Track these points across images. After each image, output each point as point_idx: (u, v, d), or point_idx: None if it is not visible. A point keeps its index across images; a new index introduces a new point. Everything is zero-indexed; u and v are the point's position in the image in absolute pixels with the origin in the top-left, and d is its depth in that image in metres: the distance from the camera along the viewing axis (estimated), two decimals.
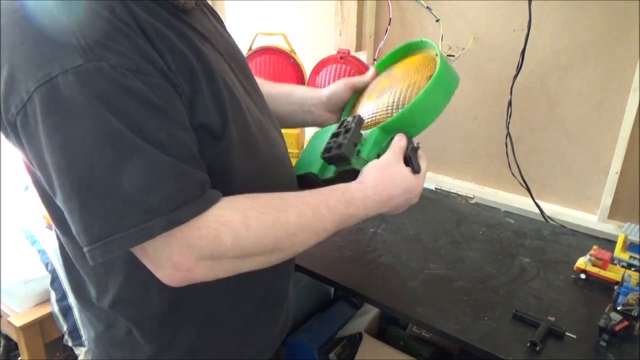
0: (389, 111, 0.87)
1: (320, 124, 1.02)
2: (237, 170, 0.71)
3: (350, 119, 0.85)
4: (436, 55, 0.90)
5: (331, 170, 0.86)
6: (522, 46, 1.28)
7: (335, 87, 0.99)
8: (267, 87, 0.90)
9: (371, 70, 1.01)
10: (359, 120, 0.84)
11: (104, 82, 0.56)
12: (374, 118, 0.90)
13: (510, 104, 1.35)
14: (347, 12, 1.58)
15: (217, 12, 0.85)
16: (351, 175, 0.82)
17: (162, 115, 0.60)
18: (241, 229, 0.64)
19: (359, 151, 0.83)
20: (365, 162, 0.82)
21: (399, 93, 0.87)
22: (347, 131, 0.83)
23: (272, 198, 0.71)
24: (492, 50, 1.39)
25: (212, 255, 0.63)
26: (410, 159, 0.83)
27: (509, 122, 1.36)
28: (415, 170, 0.82)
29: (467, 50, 1.41)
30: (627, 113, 1.21)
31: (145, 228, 0.58)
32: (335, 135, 0.85)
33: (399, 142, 0.83)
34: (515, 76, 1.32)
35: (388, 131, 0.85)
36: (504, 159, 1.40)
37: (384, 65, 1.03)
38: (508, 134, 1.37)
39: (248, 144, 0.72)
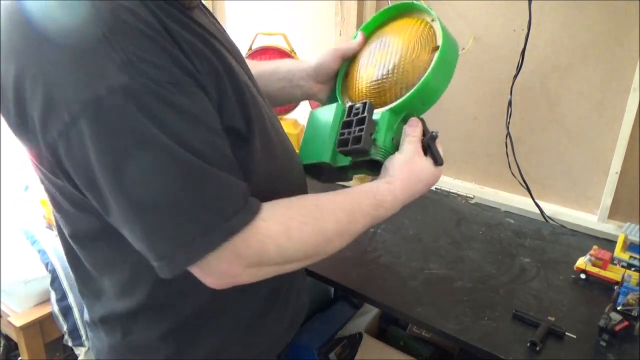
0: (397, 91, 0.84)
1: (311, 97, 0.99)
2: (258, 173, 0.70)
3: (359, 105, 0.82)
4: (433, 20, 0.86)
5: (347, 160, 0.84)
6: (522, 46, 1.28)
7: (322, 58, 0.94)
8: (252, 66, 0.88)
9: (359, 36, 0.95)
10: (370, 108, 0.81)
11: (150, 98, 0.55)
12: (378, 97, 0.86)
13: (510, 104, 1.35)
14: (347, 12, 1.58)
15: (218, 12, 0.85)
16: (366, 161, 0.81)
17: (204, 126, 0.60)
18: (284, 240, 0.66)
19: (374, 139, 0.81)
20: (382, 149, 0.81)
21: (403, 70, 0.84)
22: (360, 121, 0.80)
23: (309, 205, 0.72)
24: (492, 50, 1.39)
25: (258, 263, 0.66)
26: (431, 149, 0.82)
27: (509, 122, 1.36)
28: (439, 163, 0.82)
29: (467, 50, 1.41)
30: (627, 113, 1.21)
31: (206, 242, 0.60)
32: (346, 124, 0.83)
33: (415, 129, 0.82)
34: (515, 76, 1.32)
35: (398, 112, 0.83)
36: (504, 159, 1.40)
37: (371, 28, 0.96)
38: (508, 134, 1.37)
39: (267, 147, 0.72)
